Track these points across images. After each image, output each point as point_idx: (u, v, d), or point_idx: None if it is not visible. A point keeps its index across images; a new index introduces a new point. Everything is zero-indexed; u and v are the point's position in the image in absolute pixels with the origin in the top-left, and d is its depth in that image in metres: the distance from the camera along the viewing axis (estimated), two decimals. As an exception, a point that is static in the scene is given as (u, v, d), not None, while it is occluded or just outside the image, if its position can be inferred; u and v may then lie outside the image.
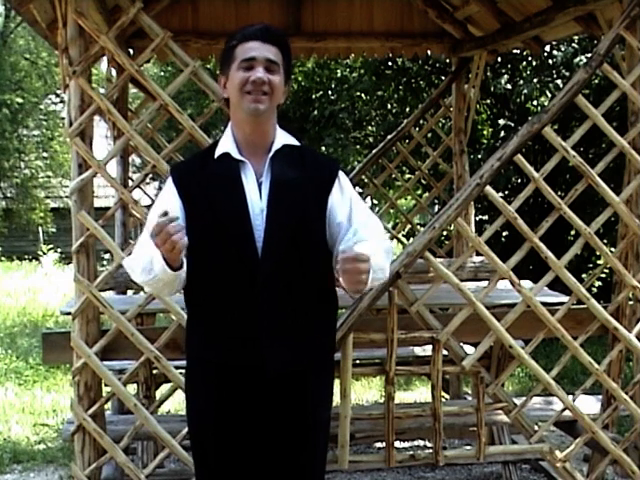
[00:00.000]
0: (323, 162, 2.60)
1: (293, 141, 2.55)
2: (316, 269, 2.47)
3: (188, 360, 2.64)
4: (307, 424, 2.54)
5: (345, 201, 2.51)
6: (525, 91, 7.82)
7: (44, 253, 15.94)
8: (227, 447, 2.53)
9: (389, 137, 6.43)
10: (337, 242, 2.49)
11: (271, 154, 2.49)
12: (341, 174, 2.55)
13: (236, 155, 2.49)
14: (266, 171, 2.48)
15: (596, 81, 7.55)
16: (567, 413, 3.65)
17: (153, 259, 2.32)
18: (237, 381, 2.48)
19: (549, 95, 7.98)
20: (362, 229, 2.43)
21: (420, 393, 6.68)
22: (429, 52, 6.14)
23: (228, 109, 2.60)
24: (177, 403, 6.02)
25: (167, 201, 2.51)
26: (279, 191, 2.45)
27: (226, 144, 2.51)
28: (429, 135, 7.30)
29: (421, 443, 5.21)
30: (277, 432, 2.51)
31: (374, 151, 6.50)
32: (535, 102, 8.45)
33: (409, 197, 7.98)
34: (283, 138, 2.53)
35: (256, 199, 2.45)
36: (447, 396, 5.56)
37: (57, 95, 19.30)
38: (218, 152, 2.51)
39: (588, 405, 4.07)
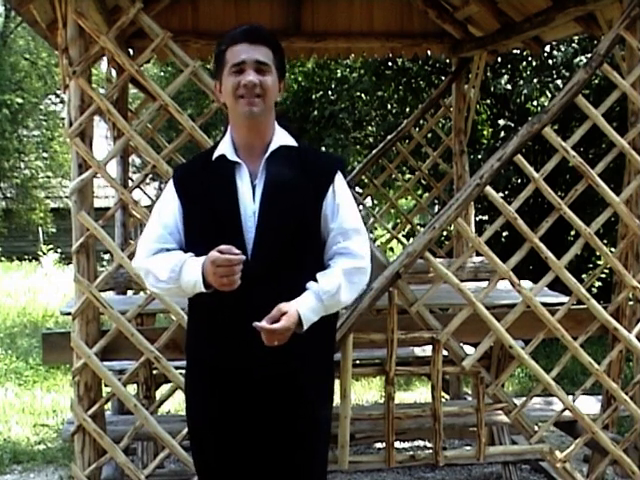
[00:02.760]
0: (322, 164, 2.58)
1: (291, 141, 2.54)
2: (310, 271, 2.47)
3: (187, 360, 2.66)
4: (301, 424, 2.53)
5: (335, 207, 2.51)
6: (525, 91, 7.82)
7: (44, 253, 15.92)
8: (223, 446, 2.54)
9: (389, 137, 6.43)
10: (326, 248, 2.52)
11: (266, 155, 2.49)
12: (337, 178, 2.53)
13: (231, 157, 2.50)
14: (261, 173, 2.49)
15: (596, 81, 7.55)
16: (567, 413, 3.65)
17: (183, 269, 2.39)
18: (229, 382, 2.49)
19: (549, 95, 7.98)
20: (341, 241, 2.50)
21: (420, 393, 6.68)
22: (429, 52, 6.14)
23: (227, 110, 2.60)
24: (177, 403, 6.02)
25: (167, 202, 2.54)
26: (272, 193, 2.46)
27: (224, 146, 2.52)
28: (429, 135, 7.30)
29: (421, 443, 5.21)
30: (271, 432, 2.51)
31: (374, 151, 6.50)
32: (535, 102, 8.45)
33: (409, 197, 7.98)
34: (281, 139, 2.53)
35: (249, 201, 2.46)
36: (447, 396, 5.56)
37: (57, 95, 19.29)
38: (216, 154, 2.53)
39: (588, 405, 4.07)
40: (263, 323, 2.30)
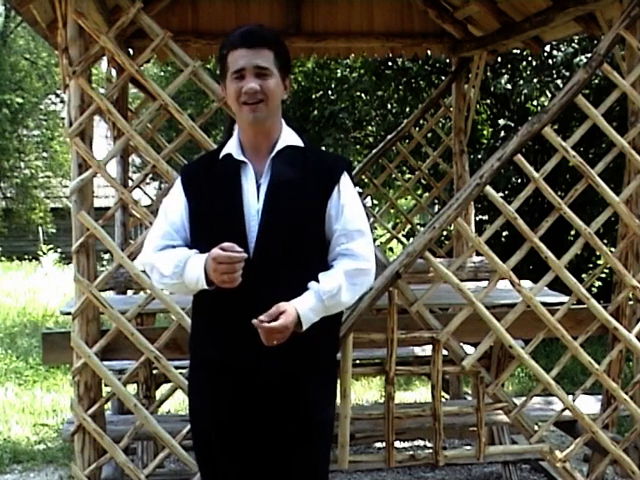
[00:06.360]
0: (327, 164, 2.57)
1: (298, 141, 2.55)
2: (314, 271, 2.47)
3: (190, 359, 2.67)
4: (304, 425, 2.53)
5: (340, 207, 2.50)
6: (525, 91, 7.82)
7: (44, 253, 15.93)
8: (228, 446, 2.54)
9: (389, 137, 6.43)
10: (330, 249, 2.52)
11: (272, 155, 2.49)
12: (343, 178, 2.53)
13: (237, 156, 2.51)
14: (266, 172, 2.49)
15: (596, 81, 7.55)
16: (567, 413, 3.65)
17: (187, 265, 2.42)
18: (233, 381, 2.49)
19: (549, 95, 7.98)
20: (344, 242, 2.49)
21: (420, 393, 6.68)
22: (429, 52, 6.14)
23: (231, 110, 2.62)
24: (177, 403, 6.02)
25: (174, 199, 2.58)
26: (276, 192, 2.46)
27: (231, 145, 2.54)
28: (429, 135, 7.31)
29: (421, 443, 5.21)
30: (274, 432, 2.51)
31: (374, 151, 6.50)
32: (535, 102, 8.45)
33: (409, 197, 7.99)
34: (288, 138, 2.53)
35: (253, 200, 2.47)
36: (447, 396, 5.56)
37: (57, 95, 19.31)
38: (223, 153, 2.55)
39: (588, 405, 4.07)
40: (260, 320, 2.30)
